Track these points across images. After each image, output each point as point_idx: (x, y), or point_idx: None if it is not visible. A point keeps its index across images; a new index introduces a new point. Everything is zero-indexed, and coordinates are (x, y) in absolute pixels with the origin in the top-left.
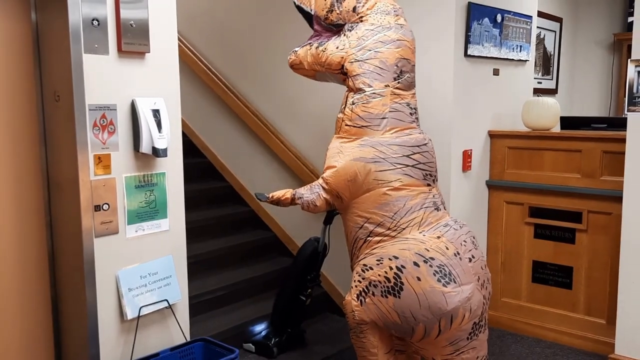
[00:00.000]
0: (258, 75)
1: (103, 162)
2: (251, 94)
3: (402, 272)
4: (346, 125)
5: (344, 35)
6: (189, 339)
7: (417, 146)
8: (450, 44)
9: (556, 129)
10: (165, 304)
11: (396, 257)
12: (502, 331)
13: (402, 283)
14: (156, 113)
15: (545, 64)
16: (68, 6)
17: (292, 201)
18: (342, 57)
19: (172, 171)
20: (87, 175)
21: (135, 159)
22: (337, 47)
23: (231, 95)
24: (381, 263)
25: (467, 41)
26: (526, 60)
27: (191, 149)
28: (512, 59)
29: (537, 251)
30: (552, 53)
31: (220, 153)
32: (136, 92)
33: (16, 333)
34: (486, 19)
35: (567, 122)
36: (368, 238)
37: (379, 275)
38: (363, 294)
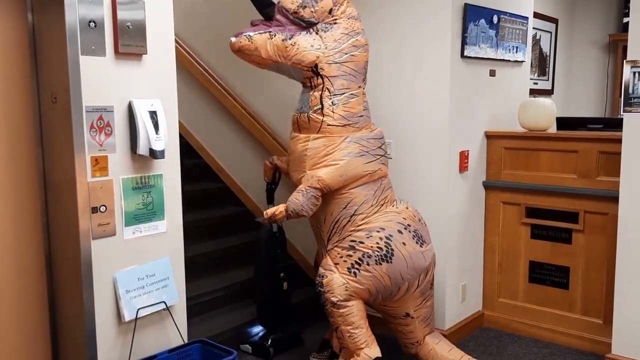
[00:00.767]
0: (254, 76)
1: (100, 163)
2: (247, 94)
3: (391, 240)
4: (328, 125)
5: (317, 34)
6: (186, 341)
7: (381, 138)
8: (447, 45)
9: (552, 129)
10: (162, 306)
11: (383, 229)
12: (499, 331)
13: (392, 250)
14: (153, 115)
15: (541, 64)
16: (65, 7)
17: (288, 217)
18: (318, 57)
19: (169, 173)
20: (84, 177)
21: (132, 160)
22: (311, 46)
23: (228, 97)
24: (371, 236)
25: (464, 42)
26: (522, 61)
27: (187, 149)
28: (509, 60)
29: (533, 251)
30: (547, 54)
31: (216, 154)
32: (133, 93)
33: (13, 335)
34: (482, 20)
35: (563, 123)
36: (352, 217)
37: (371, 246)
38: (356, 265)
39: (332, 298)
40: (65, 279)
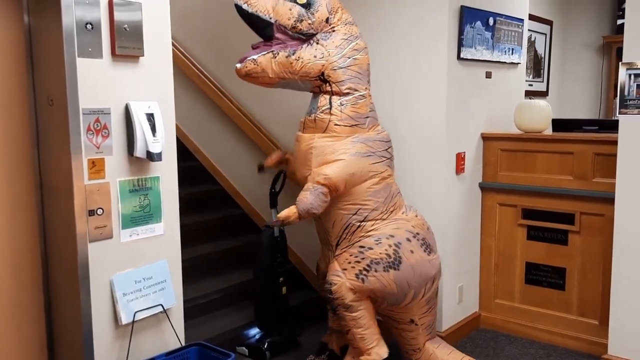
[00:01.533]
0: None
1: (97, 166)
2: (244, 97)
3: (399, 248)
4: (335, 124)
5: (318, 44)
6: (184, 344)
7: (388, 141)
8: (443, 47)
9: (548, 131)
10: (160, 309)
11: (392, 236)
12: (495, 332)
13: (400, 257)
14: (150, 117)
15: (536, 66)
16: (62, 10)
17: (301, 217)
18: (323, 65)
19: (166, 175)
20: (81, 179)
21: (129, 163)
22: (314, 56)
23: (224, 98)
24: (380, 242)
25: (460, 44)
26: (518, 63)
27: (183, 152)
28: (505, 62)
29: (530, 253)
30: (542, 55)
31: (212, 156)
32: (130, 95)
33: (9, 339)
34: (478, 22)
35: (559, 125)
36: (362, 223)
37: (380, 253)
38: (364, 272)
39: (344, 302)
40: (62, 282)
